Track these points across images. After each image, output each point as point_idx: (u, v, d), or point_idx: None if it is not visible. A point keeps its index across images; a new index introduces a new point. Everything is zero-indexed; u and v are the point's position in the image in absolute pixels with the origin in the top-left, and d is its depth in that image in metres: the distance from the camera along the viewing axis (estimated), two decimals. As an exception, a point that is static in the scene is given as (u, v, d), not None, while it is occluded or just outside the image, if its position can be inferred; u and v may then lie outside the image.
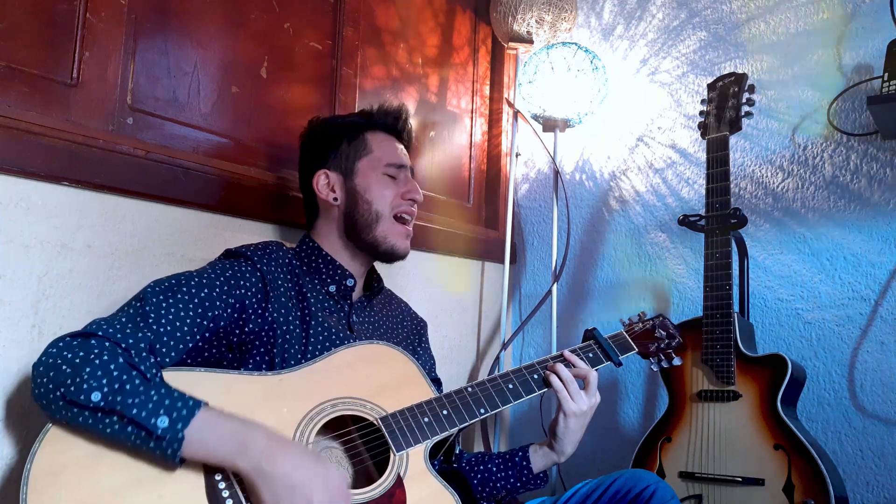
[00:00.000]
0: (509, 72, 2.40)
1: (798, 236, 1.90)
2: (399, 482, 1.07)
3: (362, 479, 1.11)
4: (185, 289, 1.10)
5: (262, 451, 0.95)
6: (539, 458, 1.35)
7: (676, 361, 1.47)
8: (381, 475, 1.08)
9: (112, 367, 0.94)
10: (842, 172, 1.86)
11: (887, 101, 1.58)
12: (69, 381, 0.92)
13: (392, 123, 1.42)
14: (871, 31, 1.83)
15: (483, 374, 2.20)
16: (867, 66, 1.83)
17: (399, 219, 1.35)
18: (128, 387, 0.93)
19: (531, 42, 2.15)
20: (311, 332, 1.22)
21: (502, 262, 2.21)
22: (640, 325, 1.48)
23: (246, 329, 1.16)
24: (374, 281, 1.41)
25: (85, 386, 0.92)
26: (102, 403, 0.91)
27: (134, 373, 0.95)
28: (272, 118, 1.66)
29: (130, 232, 1.31)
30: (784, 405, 1.57)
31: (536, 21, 2.12)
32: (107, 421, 0.92)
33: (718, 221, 1.67)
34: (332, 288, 1.30)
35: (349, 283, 1.32)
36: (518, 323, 2.31)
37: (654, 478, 1.27)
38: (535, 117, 2.15)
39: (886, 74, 1.59)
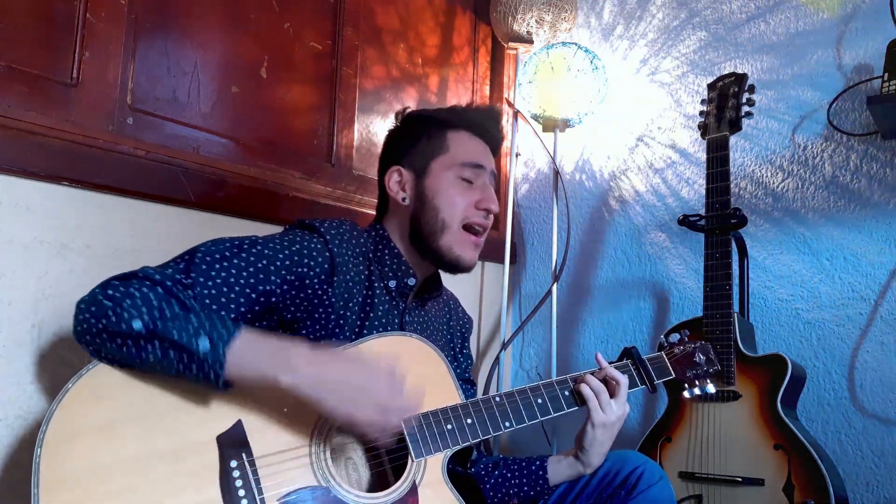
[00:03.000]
0: (509, 72, 2.40)
1: (798, 236, 1.90)
2: (414, 489, 1.05)
3: (379, 480, 1.09)
4: (243, 255, 1.06)
5: (307, 361, 0.95)
6: (562, 469, 1.28)
7: (709, 389, 1.39)
8: (397, 479, 1.06)
9: (152, 296, 0.95)
10: (842, 172, 1.86)
11: (887, 101, 1.58)
12: (110, 313, 0.93)
13: (479, 123, 1.30)
14: (871, 31, 1.83)
15: (483, 374, 2.20)
16: (867, 66, 1.83)
17: (469, 228, 1.25)
18: (168, 313, 0.94)
19: (531, 42, 2.15)
20: (368, 323, 1.18)
21: (502, 262, 2.21)
22: (681, 348, 1.39)
23: (302, 307, 1.12)
24: (432, 282, 1.34)
25: (126, 314, 0.92)
26: (144, 331, 0.92)
27: (173, 300, 0.96)
28: (272, 118, 1.66)
29: (130, 232, 1.31)
30: (784, 405, 1.57)
31: (536, 21, 2.12)
32: (149, 348, 0.92)
33: (718, 221, 1.66)
34: (392, 283, 1.24)
35: (410, 282, 1.25)
36: (518, 323, 2.31)
37: (642, 458, 1.24)
38: (535, 117, 2.15)
39: (886, 74, 1.59)
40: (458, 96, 2.26)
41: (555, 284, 2.12)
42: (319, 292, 1.13)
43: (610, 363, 1.28)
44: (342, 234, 1.18)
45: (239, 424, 0.98)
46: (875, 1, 1.83)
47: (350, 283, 1.17)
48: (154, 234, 1.35)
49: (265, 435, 0.99)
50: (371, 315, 1.19)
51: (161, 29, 1.43)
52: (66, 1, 1.27)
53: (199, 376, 0.92)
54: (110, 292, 0.95)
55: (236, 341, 0.93)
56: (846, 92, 1.84)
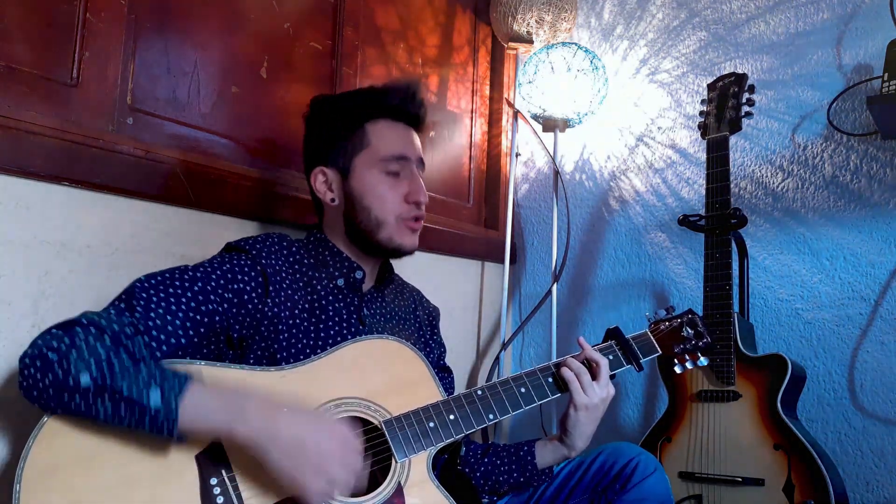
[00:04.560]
0: (509, 72, 2.40)
1: (798, 236, 1.90)
2: (399, 491, 1.05)
3: (367, 483, 1.09)
4: (177, 283, 1.06)
5: (260, 414, 0.93)
6: (547, 453, 1.29)
7: (702, 362, 1.36)
8: (384, 479, 1.06)
9: (99, 347, 0.92)
10: (842, 172, 1.86)
11: (887, 101, 1.57)
12: (57, 367, 0.90)
13: (398, 106, 1.27)
14: (871, 31, 1.83)
15: (483, 375, 2.20)
16: (867, 66, 1.83)
17: (403, 221, 1.26)
18: (116, 366, 0.91)
19: (531, 42, 2.15)
20: (322, 325, 1.18)
21: (502, 262, 2.21)
22: (667, 323, 1.36)
23: (245, 323, 1.12)
24: (385, 272, 1.34)
25: (73, 369, 0.89)
26: (92, 385, 0.89)
27: (121, 350, 0.93)
28: (272, 118, 1.66)
29: (130, 232, 1.31)
30: (784, 405, 1.57)
31: (536, 21, 2.12)
32: (99, 403, 0.89)
33: (718, 221, 1.66)
34: (341, 282, 1.24)
35: (357, 275, 1.25)
36: (518, 323, 2.31)
37: (637, 450, 1.23)
38: (535, 117, 2.15)
39: (886, 74, 1.59)
40: (458, 96, 2.26)
41: (555, 284, 2.12)
42: (260, 306, 1.14)
43: (595, 346, 1.27)
44: (269, 247, 1.19)
45: (217, 441, 0.97)
46: (875, 1, 1.83)
47: (290, 292, 1.17)
48: (154, 234, 1.35)
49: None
50: (323, 317, 1.19)
51: (161, 29, 1.43)
52: (66, 1, 1.27)
53: (152, 430, 0.90)
54: (55, 343, 0.92)
55: (188, 392, 0.91)
56: (846, 92, 1.84)
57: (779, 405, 1.55)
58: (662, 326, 1.35)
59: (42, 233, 1.19)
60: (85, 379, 0.89)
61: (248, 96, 1.60)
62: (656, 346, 1.32)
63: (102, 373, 0.90)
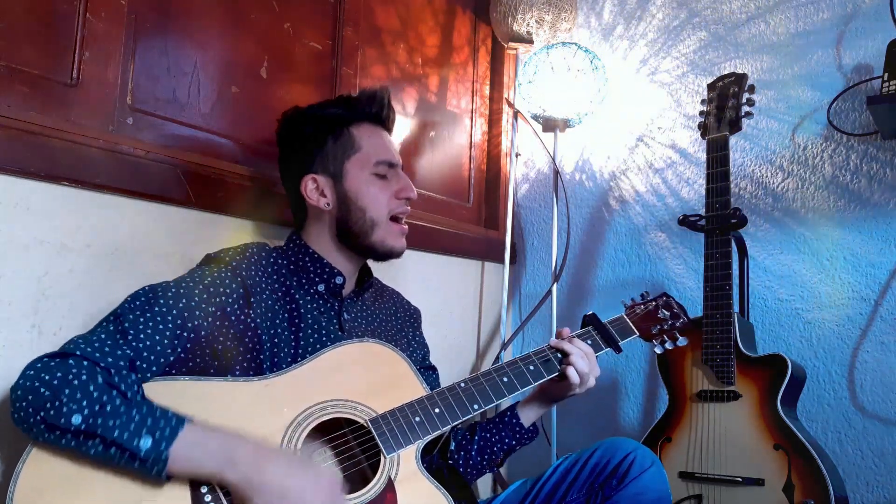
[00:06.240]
0: (509, 72, 2.40)
1: (798, 236, 1.90)
2: (390, 485, 1.06)
3: (358, 482, 1.10)
4: (161, 300, 1.07)
5: (249, 462, 0.94)
6: (529, 411, 1.38)
7: (681, 342, 1.40)
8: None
9: (91, 387, 0.92)
10: (842, 172, 1.86)
11: (887, 101, 1.57)
12: (48, 405, 0.91)
13: (377, 112, 1.34)
14: (871, 31, 1.83)
15: (483, 374, 2.20)
16: (867, 66, 1.83)
17: (395, 219, 1.31)
18: (108, 408, 0.92)
19: (531, 42, 2.15)
20: (301, 333, 1.19)
21: (502, 262, 2.21)
22: (643, 306, 1.41)
23: (229, 335, 1.14)
24: (365, 276, 1.38)
25: (65, 409, 0.90)
26: (84, 426, 0.90)
27: (114, 392, 0.94)
28: (272, 118, 1.65)
29: (130, 232, 1.31)
30: (784, 405, 1.57)
31: (536, 21, 2.12)
32: (89, 444, 0.90)
33: (718, 221, 1.66)
34: (321, 287, 1.27)
35: (338, 280, 1.28)
36: (518, 323, 2.31)
37: (633, 445, 1.24)
38: (535, 117, 2.15)
39: (886, 74, 1.59)
40: (458, 96, 2.26)
41: (555, 284, 2.12)
42: (242, 317, 1.15)
43: (573, 333, 1.33)
44: (248, 259, 1.21)
45: None
46: (875, 1, 1.83)
47: (269, 302, 1.19)
48: (154, 234, 1.35)
49: None
50: (302, 325, 1.20)
51: (161, 29, 1.43)
52: (66, 1, 1.27)
53: (141, 471, 0.92)
54: (47, 378, 0.92)
55: (179, 439, 0.92)
56: (846, 92, 1.84)
57: (779, 405, 1.55)
58: (638, 309, 1.41)
59: (42, 233, 1.19)
60: (76, 419, 0.90)
61: (248, 96, 1.60)
62: (632, 327, 1.38)
63: (94, 416, 0.91)
